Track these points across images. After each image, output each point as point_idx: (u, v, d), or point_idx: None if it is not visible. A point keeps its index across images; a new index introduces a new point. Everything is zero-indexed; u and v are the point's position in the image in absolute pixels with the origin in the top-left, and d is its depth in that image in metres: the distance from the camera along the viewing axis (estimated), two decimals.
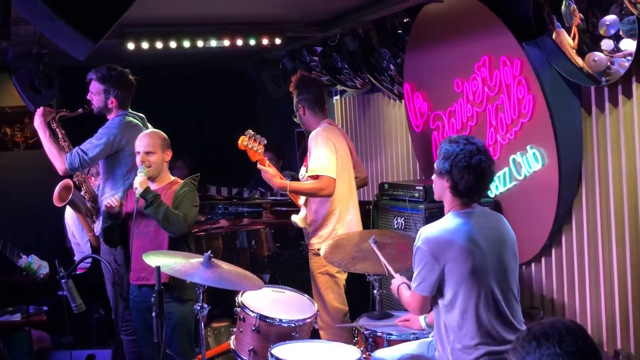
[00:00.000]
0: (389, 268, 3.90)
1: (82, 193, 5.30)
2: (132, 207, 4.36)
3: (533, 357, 1.87)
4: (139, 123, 4.93)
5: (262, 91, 7.79)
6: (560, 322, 1.93)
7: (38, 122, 4.88)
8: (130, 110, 4.99)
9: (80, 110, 5.01)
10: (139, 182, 4.26)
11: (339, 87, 7.09)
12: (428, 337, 3.69)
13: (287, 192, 4.83)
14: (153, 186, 4.38)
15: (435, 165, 3.30)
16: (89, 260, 5.25)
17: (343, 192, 4.74)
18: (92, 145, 4.71)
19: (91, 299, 4.99)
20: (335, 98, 7.38)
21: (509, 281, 3.24)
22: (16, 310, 5.46)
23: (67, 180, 5.16)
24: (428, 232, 3.22)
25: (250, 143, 4.68)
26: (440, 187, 3.28)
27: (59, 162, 4.74)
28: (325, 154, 4.64)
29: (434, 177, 3.33)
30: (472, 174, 3.16)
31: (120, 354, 4.76)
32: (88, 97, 4.97)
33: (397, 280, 3.64)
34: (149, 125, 5.04)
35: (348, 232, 4.69)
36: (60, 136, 4.95)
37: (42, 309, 5.55)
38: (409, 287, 3.49)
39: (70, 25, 2.58)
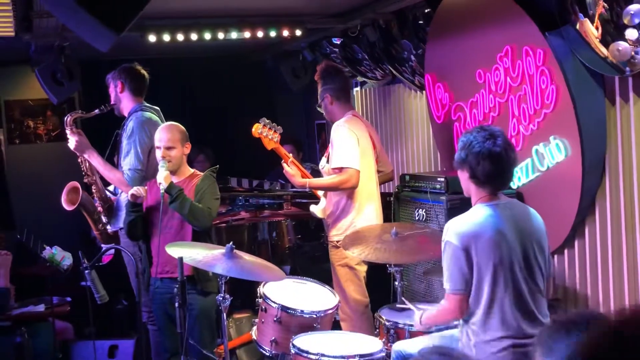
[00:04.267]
0: (409, 304, 3.90)
1: (93, 194, 5.33)
2: (154, 201, 4.38)
3: (561, 345, 1.86)
4: (157, 118, 4.97)
5: (282, 83, 7.78)
6: (587, 311, 1.92)
7: (90, 154, 4.93)
8: (145, 103, 5.01)
9: (96, 110, 5.04)
10: (163, 177, 4.26)
11: (359, 79, 7.06)
12: (451, 329, 3.68)
13: (307, 190, 4.86)
14: (173, 179, 4.38)
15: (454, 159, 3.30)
16: (112, 251, 5.29)
17: (363, 184, 4.73)
18: (134, 157, 4.77)
19: (114, 290, 5.03)
20: (355, 89, 7.36)
21: (535, 275, 3.22)
22: (40, 301, 5.51)
23: (74, 182, 5.19)
24: (456, 225, 3.20)
25: (265, 131, 4.70)
26: (463, 180, 3.28)
27: (123, 185, 4.82)
28: (348, 146, 4.63)
29: (458, 172, 3.32)
30: (487, 159, 3.15)
31: (145, 343, 4.79)
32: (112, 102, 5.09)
33: (417, 313, 3.56)
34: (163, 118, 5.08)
35: (368, 225, 4.69)
36: (76, 140, 4.95)
37: (65, 300, 5.61)
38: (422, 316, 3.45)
39: (93, 16, 2.58)
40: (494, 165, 3.17)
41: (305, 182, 4.69)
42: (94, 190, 5.15)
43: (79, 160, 5.07)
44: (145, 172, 4.79)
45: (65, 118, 5.01)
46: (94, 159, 4.94)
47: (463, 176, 3.28)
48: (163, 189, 4.24)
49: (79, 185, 5.17)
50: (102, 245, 5.95)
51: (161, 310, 4.43)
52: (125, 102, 5.01)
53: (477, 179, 3.20)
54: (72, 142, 4.94)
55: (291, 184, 5.14)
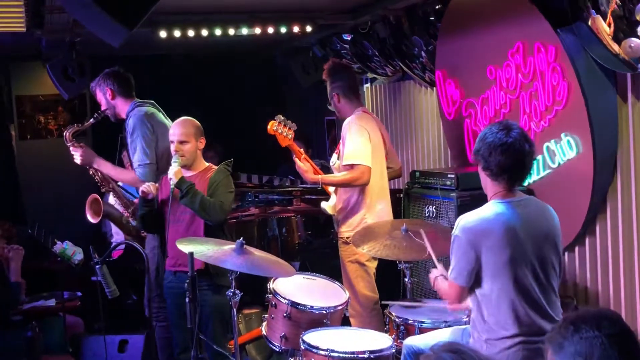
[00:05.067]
0: (433, 256, 3.88)
1: (112, 200, 5.33)
2: (167, 194, 4.39)
3: (571, 342, 1.87)
4: (154, 110, 4.96)
5: (292, 79, 7.79)
6: (594, 309, 1.93)
7: (97, 163, 4.92)
8: (137, 100, 5.00)
9: (91, 120, 5.03)
10: (174, 172, 4.26)
11: (370, 75, 7.06)
12: (461, 324, 3.68)
13: (320, 187, 4.86)
14: (188, 173, 4.39)
15: None
16: (123, 246, 5.31)
17: (374, 181, 4.73)
18: (141, 152, 4.75)
19: (124, 285, 5.04)
20: (365, 86, 7.36)
21: (548, 273, 3.19)
22: (51, 295, 5.54)
23: (93, 195, 5.19)
24: (466, 220, 3.18)
25: (280, 128, 4.71)
26: (480, 173, 3.26)
27: (138, 183, 4.75)
28: (360, 142, 4.63)
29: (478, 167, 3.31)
30: (498, 148, 3.12)
31: (152, 339, 4.80)
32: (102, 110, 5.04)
33: (437, 272, 3.59)
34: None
35: (379, 221, 4.69)
36: (80, 154, 4.93)
37: (76, 295, 5.64)
38: (446, 278, 3.47)
39: (105, 12, 2.60)
40: (504, 156, 3.13)
41: (318, 178, 4.71)
42: (114, 198, 5.15)
43: (91, 172, 5.06)
44: (157, 164, 4.79)
45: (64, 134, 4.98)
46: (103, 167, 4.93)
47: (479, 169, 3.27)
48: (173, 184, 4.25)
49: (98, 197, 5.17)
50: (112, 241, 5.99)
51: (174, 305, 4.42)
52: (120, 107, 4.99)
53: (490, 171, 3.19)
54: (77, 157, 4.92)
55: (301, 179, 5.14)
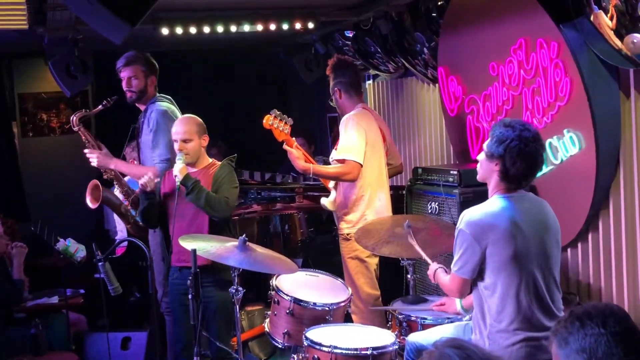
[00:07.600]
0: (425, 256, 3.88)
1: (115, 189, 5.32)
2: (170, 189, 4.39)
3: (576, 337, 1.86)
4: (174, 107, 4.96)
5: (294, 76, 7.78)
6: (602, 305, 1.92)
7: (115, 164, 4.91)
8: (159, 94, 4.99)
9: (100, 106, 4.97)
10: (179, 169, 4.27)
11: (372, 72, 7.05)
12: (463, 320, 3.68)
13: (310, 176, 4.86)
14: (191, 170, 4.39)
15: (485, 146, 3.27)
16: (126, 243, 5.32)
17: (373, 177, 4.74)
18: (164, 147, 4.73)
19: (127, 282, 5.05)
20: (368, 82, 7.35)
21: (551, 268, 3.22)
22: (54, 293, 5.55)
23: (94, 181, 5.19)
24: (470, 215, 3.19)
25: (276, 122, 4.71)
26: (488, 170, 3.25)
27: (157, 178, 4.70)
28: (354, 138, 4.64)
29: (481, 158, 3.29)
30: (524, 162, 3.13)
31: (160, 334, 4.79)
32: (125, 85, 4.92)
33: (433, 266, 3.63)
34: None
35: (379, 217, 4.69)
36: (87, 140, 4.91)
37: (79, 292, 5.64)
38: (445, 271, 3.48)
39: (107, 8, 2.60)
40: (528, 169, 3.17)
41: (309, 167, 4.70)
42: (116, 185, 5.15)
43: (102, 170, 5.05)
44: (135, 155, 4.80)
45: (72, 118, 4.94)
46: (120, 167, 4.93)
47: (488, 166, 3.24)
48: (179, 182, 4.24)
49: (98, 183, 5.17)
50: (116, 238, 6.00)
51: (178, 301, 4.42)
52: (148, 94, 4.95)
53: (504, 174, 3.18)
54: (93, 160, 4.89)
55: (304, 176, 5.13)
